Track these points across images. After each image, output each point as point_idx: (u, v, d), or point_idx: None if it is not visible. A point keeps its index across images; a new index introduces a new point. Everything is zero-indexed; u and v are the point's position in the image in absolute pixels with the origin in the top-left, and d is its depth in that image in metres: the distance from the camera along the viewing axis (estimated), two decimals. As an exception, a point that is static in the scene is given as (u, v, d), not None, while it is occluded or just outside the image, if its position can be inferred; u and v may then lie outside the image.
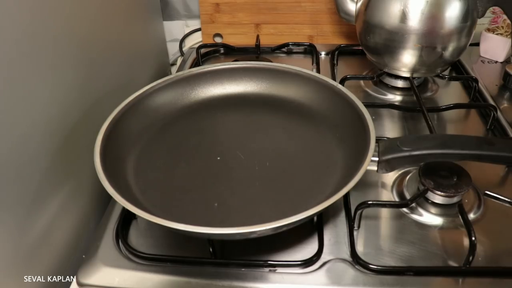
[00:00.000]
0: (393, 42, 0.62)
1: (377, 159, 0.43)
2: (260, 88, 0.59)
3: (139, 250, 0.43)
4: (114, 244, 0.44)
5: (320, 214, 0.45)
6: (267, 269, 0.41)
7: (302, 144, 0.52)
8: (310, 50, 0.79)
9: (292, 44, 0.81)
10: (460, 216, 0.44)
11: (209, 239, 0.42)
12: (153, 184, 0.46)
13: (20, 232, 0.40)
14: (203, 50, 0.80)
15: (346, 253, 0.42)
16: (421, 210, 0.47)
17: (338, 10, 0.70)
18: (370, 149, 0.42)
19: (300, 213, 0.36)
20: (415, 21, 0.59)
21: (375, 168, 0.43)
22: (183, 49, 0.89)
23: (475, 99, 0.66)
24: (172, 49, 0.90)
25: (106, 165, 0.42)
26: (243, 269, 0.41)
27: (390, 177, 0.51)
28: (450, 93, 0.69)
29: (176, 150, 0.51)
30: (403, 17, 0.59)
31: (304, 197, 0.44)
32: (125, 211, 0.47)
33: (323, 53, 0.80)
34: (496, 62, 0.76)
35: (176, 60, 0.92)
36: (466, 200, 0.47)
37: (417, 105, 0.61)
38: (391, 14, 0.60)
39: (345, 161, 0.47)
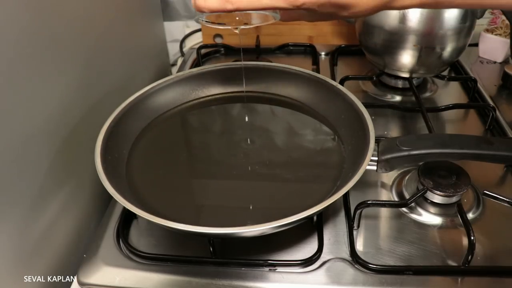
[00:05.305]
0: (392, 42, 0.62)
1: (376, 158, 0.43)
2: (260, 88, 0.59)
3: (139, 250, 0.43)
4: (114, 243, 0.44)
5: (320, 214, 0.45)
6: (267, 269, 0.41)
7: (301, 144, 0.52)
8: (310, 51, 0.79)
9: (292, 45, 0.81)
10: (459, 216, 0.44)
11: (209, 239, 0.42)
12: (153, 184, 0.46)
13: (20, 232, 0.40)
14: (203, 51, 0.81)
15: (345, 253, 0.43)
16: (420, 210, 0.47)
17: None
18: (370, 148, 0.42)
19: (300, 213, 0.36)
20: (414, 21, 0.59)
21: (374, 167, 0.44)
22: (184, 50, 0.89)
23: (474, 99, 0.66)
24: (173, 49, 0.90)
25: (106, 165, 0.42)
26: (243, 269, 0.41)
27: (389, 177, 0.52)
28: (449, 93, 0.69)
29: (177, 150, 0.51)
30: (402, 17, 0.59)
31: (304, 197, 0.44)
32: (125, 211, 0.47)
33: (323, 54, 0.80)
34: (495, 62, 0.77)
35: (176, 60, 0.92)
36: (465, 200, 0.47)
37: (416, 105, 0.61)
38: (390, 15, 0.60)
39: (345, 161, 0.47)
